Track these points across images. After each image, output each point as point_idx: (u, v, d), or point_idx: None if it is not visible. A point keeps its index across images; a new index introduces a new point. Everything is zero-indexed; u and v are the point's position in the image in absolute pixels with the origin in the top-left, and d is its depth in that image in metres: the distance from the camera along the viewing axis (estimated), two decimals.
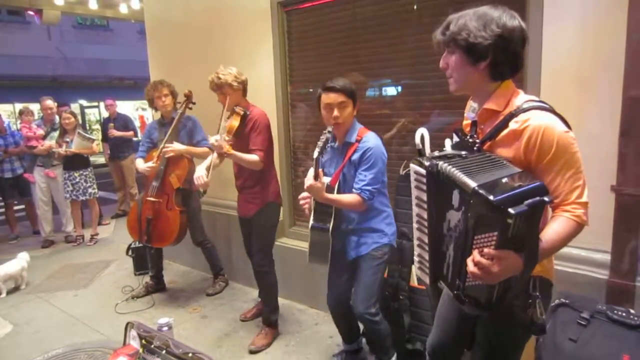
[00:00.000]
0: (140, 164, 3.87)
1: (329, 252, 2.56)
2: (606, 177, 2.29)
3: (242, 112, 3.08)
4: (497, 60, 1.42)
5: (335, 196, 2.45)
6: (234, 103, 3.12)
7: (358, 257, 2.58)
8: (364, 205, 2.44)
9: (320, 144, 2.30)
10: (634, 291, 2.23)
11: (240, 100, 3.17)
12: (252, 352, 3.22)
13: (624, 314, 1.95)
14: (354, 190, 2.43)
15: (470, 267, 1.27)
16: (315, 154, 2.30)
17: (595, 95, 2.32)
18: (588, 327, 1.98)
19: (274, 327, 3.41)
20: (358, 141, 2.46)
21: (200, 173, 3.01)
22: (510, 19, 1.41)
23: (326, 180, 2.50)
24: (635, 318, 1.92)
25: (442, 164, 1.39)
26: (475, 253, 1.26)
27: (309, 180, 2.36)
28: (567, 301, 2.10)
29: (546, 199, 1.21)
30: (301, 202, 2.59)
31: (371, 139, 2.45)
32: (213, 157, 3.11)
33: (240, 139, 3.08)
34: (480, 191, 1.20)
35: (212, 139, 2.88)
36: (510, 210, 1.14)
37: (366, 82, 3.37)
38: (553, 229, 1.37)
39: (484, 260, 1.24)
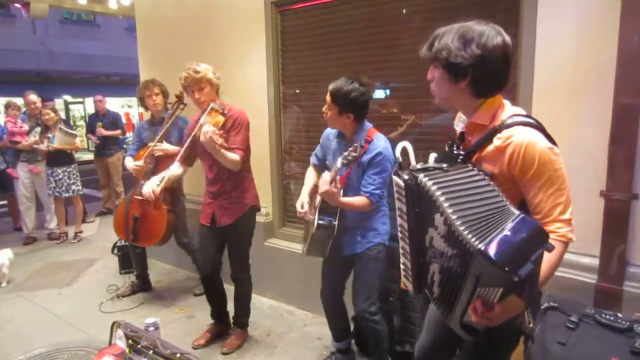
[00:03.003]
0: (129, 163, 3.84)
1: (329, 247, 2.59)
2: (596, 182, 2.32)
3: (220, 110, 2.93)
4: (477, 79, 1.43)
5: (348, 199, 2.45)
6: (211, 100, 2.98)
7: (353, 255, 2.60)
8: (372, 207, 2.47)
9: (350, 157, 2.19)
10: (621, 295, 2.26)
11: (215, 98, 3.04)
12: (224, 354, 3.20)
13: (612, 318, 1.97)
14: (362, 192, 2.44)
15: (473, 317, 1.28)
16: (339, 164, 2.23)
17: (586, 103, 2.35)
18: (576, 331, 1.98)
19: (245, 329, 3.40)
20: (368, 142, 2.46)
21: (150, 187, 3.12)
22: (493, 38, 1.40)
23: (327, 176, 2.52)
24: (623, 322, 1.93)
25: (421, 178, 1.37)
26: (479, 305, 1.26)
27: (325, 185, 2.29)
28: (555, 305, 2.10)
29: (548, 246, 1.21)
30: (300, 212, 2.57)
31: (382, 142, 2.45)
32: (174, 167, 3.16)
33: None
34: (488, 254, 1.16)
35: (205, 127, 2.73)
36: (520, 273, 1.13)
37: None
38: (544, 257, 1.35)
39: (488, 313, 1.25)
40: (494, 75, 1.43)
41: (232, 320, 3.41)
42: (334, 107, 2.46)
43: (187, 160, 3.23)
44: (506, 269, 1.13)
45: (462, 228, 1.23)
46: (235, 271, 3.23)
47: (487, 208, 1.28)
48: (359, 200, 2.45)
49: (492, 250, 1.16)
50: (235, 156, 2.91)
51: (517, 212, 1.27)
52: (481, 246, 1.18)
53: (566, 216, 1.40)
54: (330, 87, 2.45)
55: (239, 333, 3.34)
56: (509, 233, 1.21)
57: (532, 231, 1.22)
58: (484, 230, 1.22)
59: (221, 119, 2.88)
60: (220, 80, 3.04)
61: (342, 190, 2.45)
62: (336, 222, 2.51)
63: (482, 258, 1.17)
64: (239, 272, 3.23)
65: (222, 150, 2.83)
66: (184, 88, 3.02)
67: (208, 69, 2.95)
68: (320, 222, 2.52)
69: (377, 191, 2.42)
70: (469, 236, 1.21)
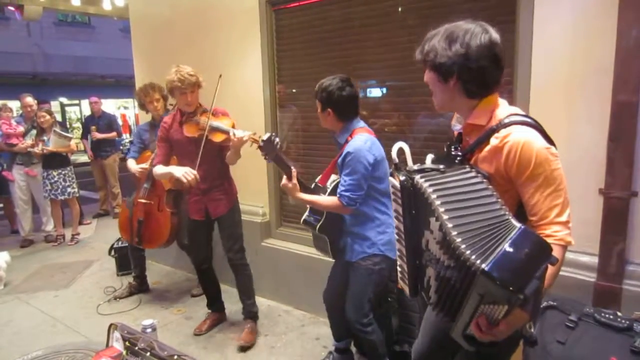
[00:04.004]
0: (133, 165, 3.84)
1: (328, 246, 2.59)
2: (594, 180, 2.31)
3: (212, 113, 3.04)
4: (464, 79, 1.42)
5: (310, 197, 2.45)
6: (197, 103, 3.11)
7: (349, 262, 2.57)
8: (346, 210, 2.40)
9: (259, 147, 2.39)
10: (621, 294, 2.25)
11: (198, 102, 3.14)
12: (242, 348, 3.24)
13: (611, 317, 1.97)
14: (337, 193, 2.41)
15: (477, 333, 1.26)
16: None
17: (584, 100, 2.34)
18: (576, 330, 1.98)
19: (256, 320, 3.46)
20: (347, 142, 2.43)
21: (191, 172, 2.92)
22: (478, 35, 1.38)
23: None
24: (623, 321, 1.93)
25: (417, 179, 1.35)
26: (483, 322, 1.24)
27: (283, 180, 2.42)
28: (554, 304, 2.10)
29: (552, 260, 1.18)
30: None
31: (355, 143, 2.37)
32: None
33: (209, 141, 2.99)
34: (492, 275, 1.12)
35: (242, 133, 2.78)
36: (526, 292, 1.10)
37: (355, 82, 3.35)
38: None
39: (492, 330, 1.23)
40: (480, 74, 1.41)
41: (243, 315, 3.46)
42: (318, 105, 2.49)
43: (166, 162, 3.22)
44: (510, 288, 1.10)
45: (458, 240, 1.20)
46: (234, 258, 3.30)
47: (484, 217, 1.25)
48: (327, 199, 2.44)
49: (494, 270, 1.12)
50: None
51: (517, 224, 1.23)
52: (484, 266, 1.13)
53: (563, 218, 1.37)
54: (316, 86, 2.50)
55: (252, 326, 3.40)
56: (510, 249, 1.16)
57: (534, 245, 1.18)
58: (483, 246, 1.19)
59: (232, 120, 3.02)
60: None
61: (330, 191, 2.49)
62: (319, 222, 2.51)
63: (485, 279, 1.13)
64: (239, 258, 3.32)
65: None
66: (174, 89, 3.00)
67: (198, 73, 3.05)
68: (306, 218, 2.58)
69: (347, 193, 2.34)
70: (467, 252, 1.18)
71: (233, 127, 2.94)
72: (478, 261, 1.15)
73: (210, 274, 3.53)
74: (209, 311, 3.64)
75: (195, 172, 2.94)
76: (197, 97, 3.08)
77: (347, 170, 2.36)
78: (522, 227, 1.22)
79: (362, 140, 2.38)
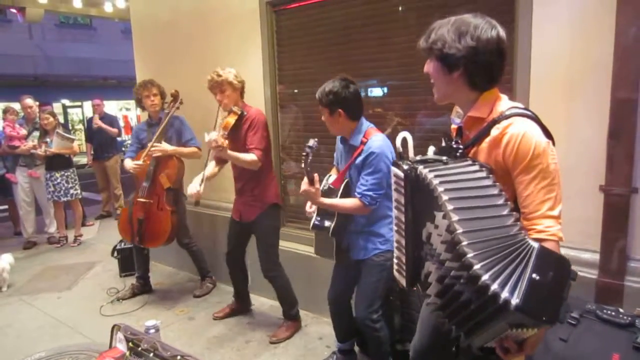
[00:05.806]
0: (128, 163, 3.85)
1: (334, 249, 2.59)
2: (595, 177, 2.31)
3: (239, 112, 3.11)
4: (470, 71, 1.43)
5: (331, 201, 2.43)
6: (232, 102, 3.15)
7: (360, 260, 2.56)
8: (366, 210, 2.40)
9: (304, 154, 2.30)
10: (622, 290, 2.25)
11: (237, 101, 3.21)
12: (272, 343, 3.32)
13: (613, 313, 1.97)
14: (355, 194, 2.40)
15: (505, 355, 1.28)
16: (303, 163, 2.31)
17: (583, 97, 2.34)
18: (578, 327, 1.98)
19: (295, 320, 3.49)
20: (364, 143, 2.41)
21: (194, 188, 3.13)
22: (487, 30, 1.40)
23: (332, 179, 2.55)
24: (625, 317, 1.93)
25: (421, 169, 1.35)
26: (512, 345, 1.25)
27: (304, 185, 2.35)
28: None
29: (573, 275, 1.17)
30: (308, 211, 2.62)
31: (376, 142, 2.37)
32: (210, 167, 3.26)
33: (237, 139, 3.11)
34: (527, 309, 1.07)
35: (207, 137, 2.87)
36: (560, 319, 1.09)
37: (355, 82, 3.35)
38: None
39: (519, 354, 1.25)
40: (487, 68, 1.44)
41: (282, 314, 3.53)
42: (325, 112, 2.45)
43: (220, 160, 3.35)
44: (544, 318, 1.09)
45: (470, 255, 1.14)
46: (264, 269, 3.34)
47: (494, 225, 1.21)
48: (348, 202, 2.42)
49: (527, 305, 1.07)
50: (250, 156, 3.04)
51: (533, 244, 1.18)
52: (517, 302, 1.07)
53: (555, 213, 1.37)
54: (317, 95, 2.46)
55: (288, 325, 3.45)
56: (537, 277, 1.11)
57: (556, 265, 1.16)
58: (502, 270, 1.13)
59: (231, 121, 3.05)
60: (242, 83, 3.21)
61: (340, 193, 2.47)
62: (331, 224, 2.49)
63: (519, 313, 1.08)
64: (267, 270, 3.34)
65: (231, 153, 2.98)
66: (209, 90, 3.18)
67: (230, 73, 3.13)
68: (316, 222, 2.54)
69: (370, 192, 2.35)
70: (485, 276, 1.12)
71: (225, 127, 3.02)
72: (506, 294, 1.09)
73: (238, 263, 3.58)
74: (233, 299, 3.77)
75: (200, 191, 3.12)
76: (231, 96, 3.14)
77: (369, 169, 2.36)
78: (538, 246, 1.18)
79: (381, 139, 2.41)
